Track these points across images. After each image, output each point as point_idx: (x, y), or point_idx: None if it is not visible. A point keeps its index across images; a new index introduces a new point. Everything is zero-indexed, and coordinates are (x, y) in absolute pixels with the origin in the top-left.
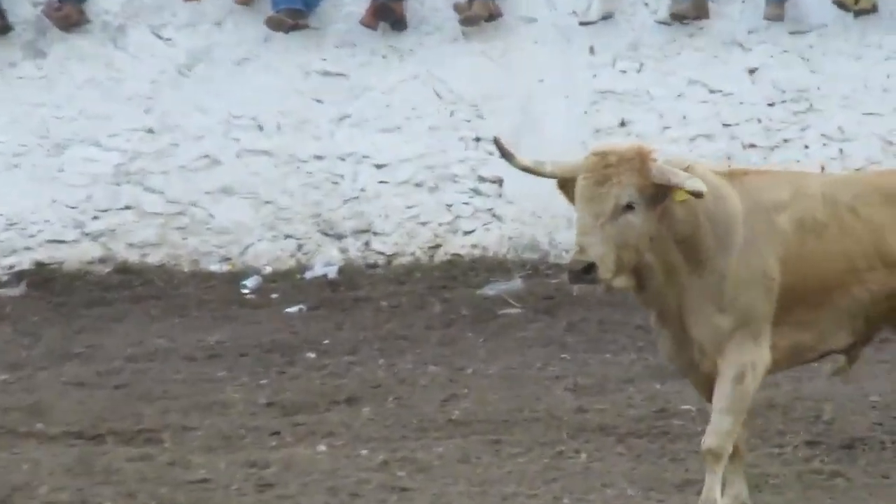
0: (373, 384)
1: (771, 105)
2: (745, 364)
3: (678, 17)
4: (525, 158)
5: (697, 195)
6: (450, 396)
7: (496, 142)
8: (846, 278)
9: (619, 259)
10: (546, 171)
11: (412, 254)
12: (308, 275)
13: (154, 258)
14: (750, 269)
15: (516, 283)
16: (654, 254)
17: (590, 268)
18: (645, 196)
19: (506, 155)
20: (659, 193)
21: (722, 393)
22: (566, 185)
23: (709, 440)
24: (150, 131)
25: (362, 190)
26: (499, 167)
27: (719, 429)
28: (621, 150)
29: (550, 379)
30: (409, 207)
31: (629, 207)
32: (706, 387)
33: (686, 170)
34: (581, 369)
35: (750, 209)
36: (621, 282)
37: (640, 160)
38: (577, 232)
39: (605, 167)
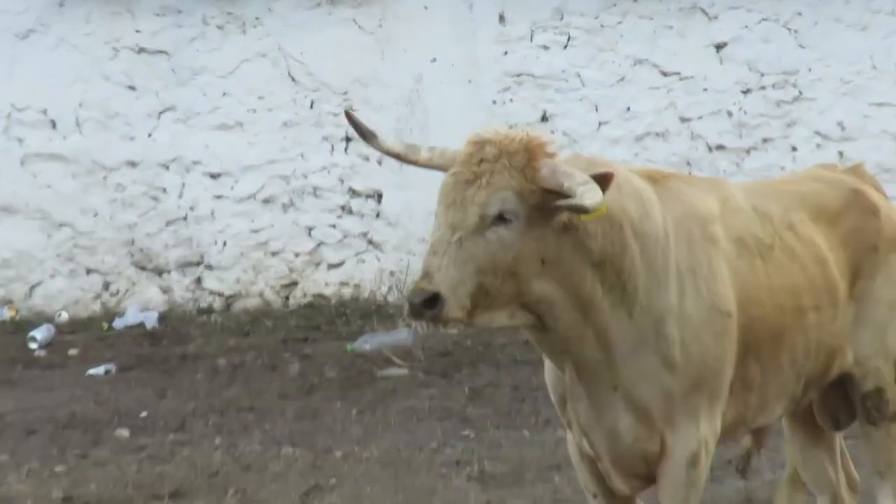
0: (208, 472)
1: (746, 93)
2: (700, 441)
3: None
4: (392, 140)
5: (580, 210)
6: (311, 488)
7: (348, 116)
8: (794, 321)
9: (483, 290)
10: (420, 159)
11: (260, 295)
12: (119, 323)
13: None
14: (698, 302)
15: (401, 335)
16: (556, 282)
17: (433, 300)
18: (529, 204)
19: (363, 133)
20: (551, 201)
21: (674, 482)
22: None
23: None
24: None
25: (191, 208)
26: (377, 176)
27: None
28: (505, 140)
29: (449, 465)
30: (254, 232)
31: (501, 219)
32: (630, 472)
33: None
34: (490, 452)
35: (680, 220)
36: (490, 319)
37: (526, 155)
38: (427, 249)
39: (479, 162)
